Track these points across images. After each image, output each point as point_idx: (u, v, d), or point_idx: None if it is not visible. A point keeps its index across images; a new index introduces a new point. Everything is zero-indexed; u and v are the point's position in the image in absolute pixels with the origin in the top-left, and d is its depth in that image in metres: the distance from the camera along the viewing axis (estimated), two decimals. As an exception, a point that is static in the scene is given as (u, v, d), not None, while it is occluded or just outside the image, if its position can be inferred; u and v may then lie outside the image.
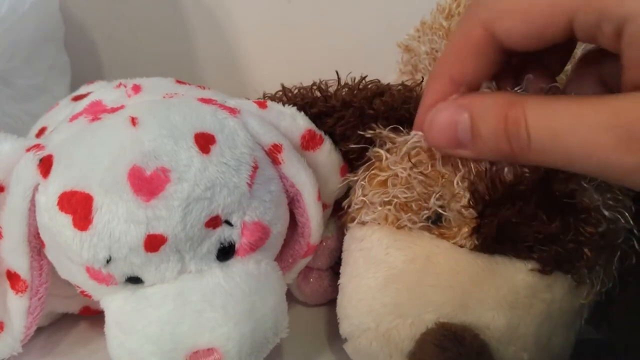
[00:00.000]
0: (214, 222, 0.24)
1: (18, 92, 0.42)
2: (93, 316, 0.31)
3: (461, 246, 0.24)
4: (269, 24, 0.53)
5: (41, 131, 0.30)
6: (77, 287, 0.26)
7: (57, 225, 0.23)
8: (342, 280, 0.27)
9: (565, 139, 0.18)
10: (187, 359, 0.23)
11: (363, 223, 0.27)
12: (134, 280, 0.24)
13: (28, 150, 0.24)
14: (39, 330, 0.29)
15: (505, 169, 0.23)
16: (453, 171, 0.24)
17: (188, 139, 0.24)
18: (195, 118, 0.24)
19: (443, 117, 0.21)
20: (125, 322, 0.24)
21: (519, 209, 0.23)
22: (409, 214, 0.25)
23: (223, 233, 0.24)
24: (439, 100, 0.22)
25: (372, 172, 0.27)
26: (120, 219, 0.22)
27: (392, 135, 0.26)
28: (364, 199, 0.26)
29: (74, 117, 0.26)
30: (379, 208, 0.26)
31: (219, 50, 0.56)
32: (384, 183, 0.26)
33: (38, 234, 0.25)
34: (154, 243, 0.23)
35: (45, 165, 0.24)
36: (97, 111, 0.26)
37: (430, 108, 0.22)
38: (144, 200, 0.22)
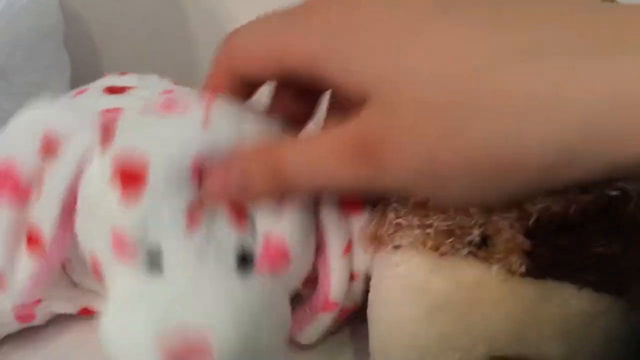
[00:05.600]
0: (239, 219, 0.24)
1: (17, 88, 0.41)
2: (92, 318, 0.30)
3: (510, 272, 0.22)
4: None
5: None
6: (93, 258, 0.25)
7: (104, 193, 0.23)
8: (374, 310, 0.25)
9: (313, 166, 0.22)
10: (171, 342, 0.22)
11: (397, 247, 0.25)
12: (153, 259, 0.23)
13: (94, 121, 0.24)
14: (36, 330, 0.29)
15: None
16: (500, 214, 0.22)
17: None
18: (260, 132, 0.25)
19: (217, 178, 0.23)
20: (127, 301, 0.23)
21: (577, 236, 0.22)
22: (452, 239, 0.23)
23: (246, 239, 0.24)
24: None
25: (406, 192, 0.24)
26: (171, 193, 0.22)
27: None
28: (400, 221, 0.24)
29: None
30: (417, 231, 0.24)
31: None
32: (422, 205, 0.24)
33: (75, 201, 0.24)
34: (195, 219, 0.23)
35: (107, 137, 0.24)
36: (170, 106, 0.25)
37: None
38: (198, 182, 0.23)
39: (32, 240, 0.25)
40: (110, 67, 0.55)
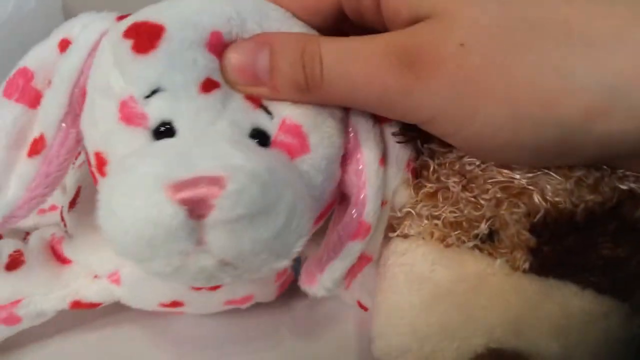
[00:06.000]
0: (255, 100, 0.21)
1: None
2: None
3: (514, 267, 0.22)
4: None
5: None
6: (98, 154, 0.22)
7: (111, 55, 0.21)
8: (378, 297, 0.26)
9: (350, 68, 0.20)
10: (180, 184, 0.18)
11: (405, 236, 0.25)
12: (165, 129, 0.21)
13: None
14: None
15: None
16: (508, 208, 0.22)
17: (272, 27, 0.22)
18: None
19: (243, 52, 0.21)
20: (129, 161, 0.20)
21: (583, 238, 0.22)
22: (459, 231, 0.23)
23: (259, 118, 0.21)
24: None
25: (418, 180, 0.25)
26: (186, 53, 0.20)
27: (443, 149, 0.24)
28: (410, 209, 0.24)
29: None
30: (426, 222, 0.24)
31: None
32: (432, 195, 0.24)
33: (82, 97, 0.22)
34: (209, 85, 0.21)
35: (124, 16, 0.22)
36: None
37: None
38: (214, 54, 0.21)
39: (34, 146, 0.23)
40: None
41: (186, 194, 0.18)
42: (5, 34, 0.36)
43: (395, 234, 0.25)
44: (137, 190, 0.18)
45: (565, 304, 0.22)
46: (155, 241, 0.18)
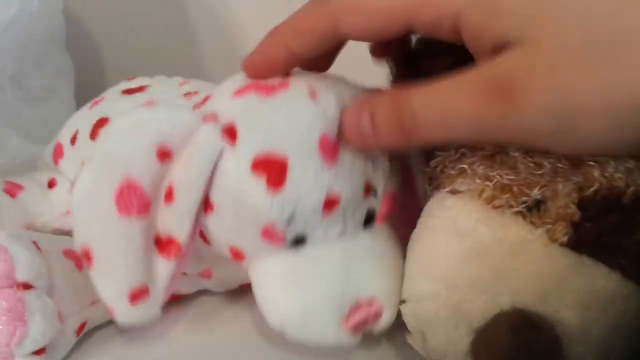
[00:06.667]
0: (367, 190, 0.26)
1: (30, 94, 0.42)
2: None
3: (552, 239, 0.24)
4: (270, 22, 0.51)
5: (100, 122, 0.32)
6: (234, 249, 0.27)
7: (247, 188, 0.25)
8: (415, 243, 0.27)
9: (442, 105, 0.22)
10: (349, 311, 0.26)
11: (454, 192, 0.26)
12: (300, 240, 0.26)
13: (205, 120, 0.25)
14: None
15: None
16: (565, 177, 0.23)
17: None
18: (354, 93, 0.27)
19: (351, 116, 0.25)
20: (294, 277, 0.26)
21: (625, 219, 0.23)
22: (508, 195, 0.24)
23: (370, 202, 0.27)
24: (269, 64, 0.26)
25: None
26: (309, 180, 0.24)
27: None
28: (464, 167, 0.25)
29: (239, 92, 0.26)
30: (478, 181, 0.25)
31: (222, 50, 0.57)
32: (489, 157, 0.25)
33: (206, 202, 0.26)
34: (330, 205, 0.25)
35: (230, 133, 0.25)
36: (266, 88, 0.26)
37: (258, 67, 0.26)
38: (327, 165, 0.25)
39: (164, 245, 0.26)
40: (113, 71, 0.58)
41: (355, 321, 0.25)
42: (8, 36, 0.36)
43: (446, 189, 0.27)
44: (314, 315, 0.26)
45: (592, 282, 0.23)
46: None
